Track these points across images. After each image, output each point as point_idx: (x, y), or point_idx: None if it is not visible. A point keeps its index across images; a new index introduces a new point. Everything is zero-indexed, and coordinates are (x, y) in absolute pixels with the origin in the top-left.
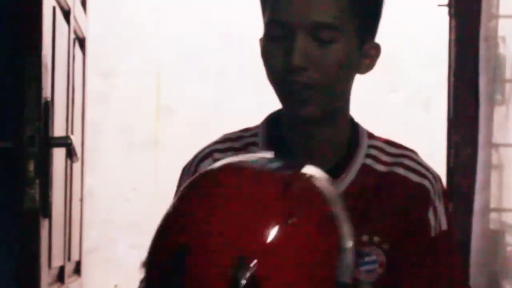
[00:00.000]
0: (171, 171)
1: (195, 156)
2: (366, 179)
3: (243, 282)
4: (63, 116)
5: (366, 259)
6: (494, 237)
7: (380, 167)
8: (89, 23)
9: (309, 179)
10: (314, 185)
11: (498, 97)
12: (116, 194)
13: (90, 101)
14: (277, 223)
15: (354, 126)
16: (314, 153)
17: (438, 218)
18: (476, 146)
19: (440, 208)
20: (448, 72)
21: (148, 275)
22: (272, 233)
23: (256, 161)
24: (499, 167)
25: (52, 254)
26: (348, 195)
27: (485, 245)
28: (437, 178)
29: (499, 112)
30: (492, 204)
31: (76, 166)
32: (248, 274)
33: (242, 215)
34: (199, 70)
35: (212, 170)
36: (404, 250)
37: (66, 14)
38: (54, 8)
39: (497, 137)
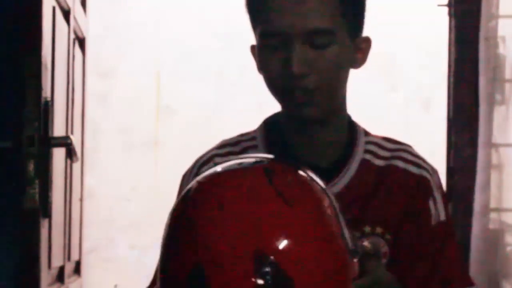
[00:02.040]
0: (171, 171)
1: (196, 161)
2: (366, 173)
3: (269, 277)
4: (63, 116)
5: None
6: (494, 237)
7: (379, 162)
8: (89, 23)
9: (284, 165)
10: (291, 169)
11: (498, 97)
12: (116, 194)
13: (90, 101)
14: (276, 211)
15: (351, 124)
16: (314, 152)
17: (437, 209)
18: (476, 146)
19: (439, 198)
20: (448, 72)
21: None
22: (276, 222)
23: (234, 165)
24: (499, 167)
25: (52, 254)
26: (349, 189)
27: (485, 245)
28: (434, 170)
29: (499, 112)
30: (492, 204)
31: (76, 166)
32: (270, 268)
33: (244, 215)
34: (199, 70)
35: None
36: (406, 240)
37: (66, 14)
38: (54, 8)
39: (497, 137)
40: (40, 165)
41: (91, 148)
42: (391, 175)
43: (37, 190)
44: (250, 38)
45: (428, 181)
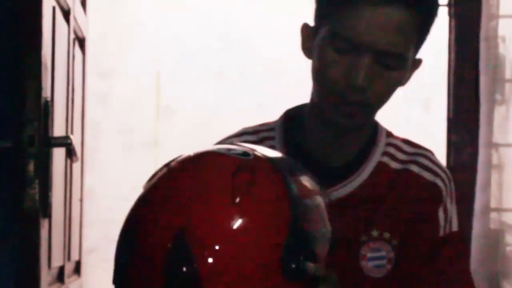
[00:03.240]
0: None
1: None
2: (381, 176)
3: (177, 255)
4: (63, 116)
5: (375, 254)
6: (494, 237)
7: (395, 165)
8: (89, 23)
9: (266, 161)
10: (271, 168)
11: (498, 97)
12: (116, 194)
13: (90, 101)
14: (221, 202)
15: (374, 125)
16: (331, 150)
17: (449, 218)
18: (476, 146)
19: (452, 208)
20: (448, 72)
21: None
22: (213, 210)
23: (225, 148)
24: (499, 167)
25: (52, 254)
26: (362, 190)
27: (485, 245)
28: (450, 178)
29: (499, 112)
30: (492, 204)
31: (76, 166)
32: (183, 249)
33: (185, 192)
34: (199, 70)
35: (179, 157)
36: (412, 247)
37: (66, 14)
38: (54, 8)
39: (497, 137)
40: (40, 165)
41: (91, 148)
42: (405, 180)
43: (37, 190)
44: (250, 38)
45: (440, 189)
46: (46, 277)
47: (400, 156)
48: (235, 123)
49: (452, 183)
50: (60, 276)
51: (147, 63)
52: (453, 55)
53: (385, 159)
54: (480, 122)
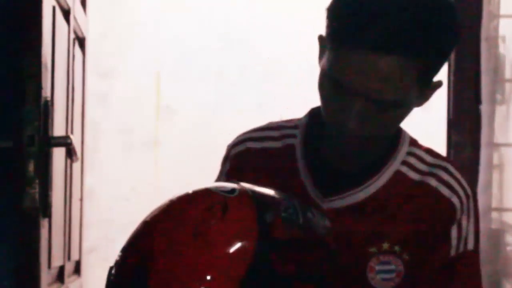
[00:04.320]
0: (171, 171)
1: (232, 141)
2: (396, 186)
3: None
4: (63, 115)
5: (384, 267)
6: (495, 237)
7: (414, 175)
8: (89, 23)
9: (248, 198)
10: (248, 204)
11: (498, 97)
12: (116, 194)
13: (90, 101)
14: (183, 232)
15: (397, 132)
16: (349, 155)
17: (463, 237)
18: (476, 146)
19: (469, 227)
20: (448, 72)
21: None
22: (173, 240)
23: (216, 186)
24: (500, 167)
25: (52, 254)
26: (375, 199)
27: (486, 244)
28: (469, 195)
29: (499, 112)
30: (493, 204)
31: (76, 166)
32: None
33: (161, 222)
34: (199, 70)
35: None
36: (423, 264)
37: (66, 14)
38: (54, 8)
39: (497, 137)
40: (40, 165)
41: (91, 148)
42: (421, 193)
43: (37, 190)
44: (250, 38)
45: (455, 207)
46: (46, 277)
47: (420, 166)
48: (235, 123)
49: (471, 200)
50: (60, 276)
51: (147, 63)
52: (453, 55)
53: (404, 168)
54: (482, 122)
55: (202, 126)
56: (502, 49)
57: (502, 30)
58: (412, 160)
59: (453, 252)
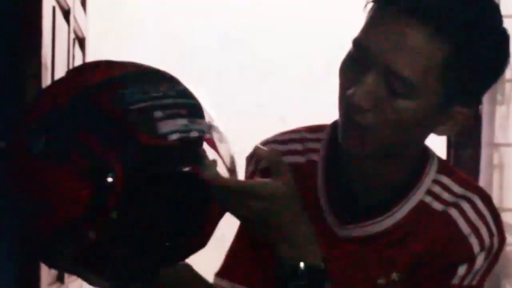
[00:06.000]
0: None
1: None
2: (419, 218)
3: None
4: None
5: None
6: None
7: (438, 206)
8: (89, 23)
9: None
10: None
11: (498, 97)
12: None
13: None
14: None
15: (424, 157)
16: (370, 182)
17: (473, 273)
18: (476, 146)
19: (483, 266)
20: None
21: None
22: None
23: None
24: (500, 167)
25: None
26: (393, 232)
27: None
28: (494, 234)
29: (499, 112)
30: None
31: None
32: None
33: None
34: (199, 70)
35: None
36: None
37: (66, 14)
38: (54, 8)
39: (498, 137)
40: None
41: None
42: (441, 225)
43: None
44: (250, 38)
45: (472, 248)
46: (46, 277)
47: (446, 196)
48: (234, 123)
49: (496, 240)
50: (60, 276)
51: (147, 63)
52: None
53: (428, 199)
54: (483, 122)
55: None
56: None
57: None
58: (437, 189)
59: (456, 281)
